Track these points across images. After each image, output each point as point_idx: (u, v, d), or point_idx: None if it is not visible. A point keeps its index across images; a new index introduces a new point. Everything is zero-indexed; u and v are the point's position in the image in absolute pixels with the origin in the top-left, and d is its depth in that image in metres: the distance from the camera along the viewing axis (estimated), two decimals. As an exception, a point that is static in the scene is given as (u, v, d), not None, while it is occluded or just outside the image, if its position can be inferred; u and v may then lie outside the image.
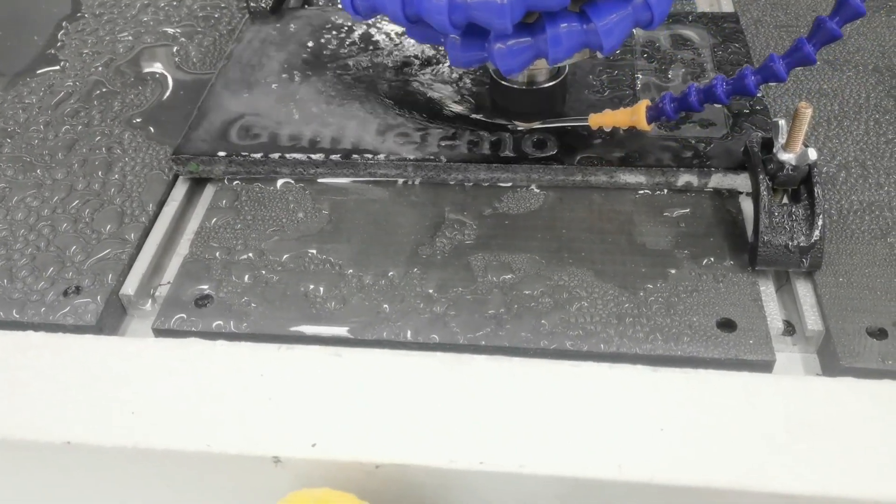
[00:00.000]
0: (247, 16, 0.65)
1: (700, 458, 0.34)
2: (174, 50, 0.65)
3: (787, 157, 0.45)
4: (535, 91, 0.47)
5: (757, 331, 0.42)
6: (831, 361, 0.42)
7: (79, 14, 0.70)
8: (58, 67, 0.64)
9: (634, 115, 0.49)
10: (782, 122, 0.45)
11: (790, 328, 0.44)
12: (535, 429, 0.35)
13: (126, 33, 0.67)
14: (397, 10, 0.40)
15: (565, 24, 0.41)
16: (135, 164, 0.55)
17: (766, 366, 0.41)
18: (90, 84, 0.62)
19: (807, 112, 0.43)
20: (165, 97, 0.60)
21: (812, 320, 0.43)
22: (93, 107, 0.60)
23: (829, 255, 0.46)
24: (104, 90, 0.61)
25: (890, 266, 0.45)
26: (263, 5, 0.64)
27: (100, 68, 0.63)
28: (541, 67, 0.47)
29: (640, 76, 0.57)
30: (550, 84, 0.47)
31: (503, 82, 0.48)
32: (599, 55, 0.45)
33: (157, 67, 0.63)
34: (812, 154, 0.44)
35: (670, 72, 0.57)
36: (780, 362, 0.42)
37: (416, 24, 0.42)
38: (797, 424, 0.34)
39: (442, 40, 0.45)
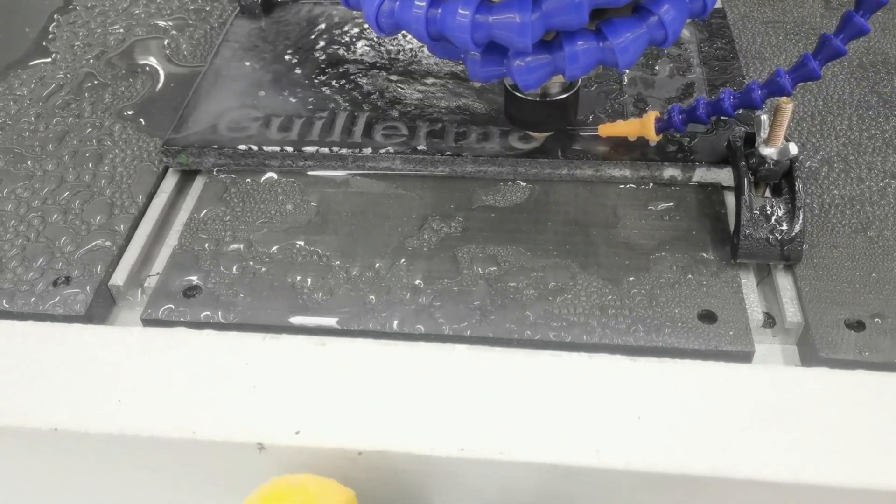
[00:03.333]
0: (237, 9, 0.65)
1: (676, 445, 0.34)
2: (165, 43, 0.65)
3: (768, 151, 0.45)
4: (549, 103, 0.48)
5: (737, 322, 0.43)
6: (810, 353, 0.42)
7: (70, 6, 0.70)
8: (49, 60, 0.64)
9: (644, 127, 0.49)
10: (764, 117, 0.46)
11: (770, 320, 0.45)
12: (515, 417, 0.36)
13: (117, 26, 0.67)
14: (421, 29, 0.41)
15: (583, 42, 0.41)
16: (125, 155, 0.55)
17: (745, 357, 0.42)
18: (81, 76, 0.62)
19: (788, 107, 0.44)
20: (156, 90, 0.61)
21: (792, 312, 0.44)
22: (84, 99, 0.60)
23: (810, 248, 0.46)
24: (95, 82, 0.62)
25: (869, 259, 0.46)
26: (254, -1, 0.64)
27: (91, 60, 0.64)
28: (555, 80, 0.48)
29: (627, 71, 0.57)
30: (564, 96, 0.48)
31: (517, 94, 0.48)
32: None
33: (148, 60, 0.63)
34: (793, 149, 0.45)
35: (657, 66, 0.58)
36: (760, 353, 0.43)
37: (437, 42, 0.43)
38: (771, 413, 0.35)
39: (462, 56, 0.46)
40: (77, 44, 0.65)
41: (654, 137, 0.49)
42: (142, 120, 0.58)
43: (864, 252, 0.46)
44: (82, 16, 0.69)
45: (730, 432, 0.34)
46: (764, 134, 0.46)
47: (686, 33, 0.61)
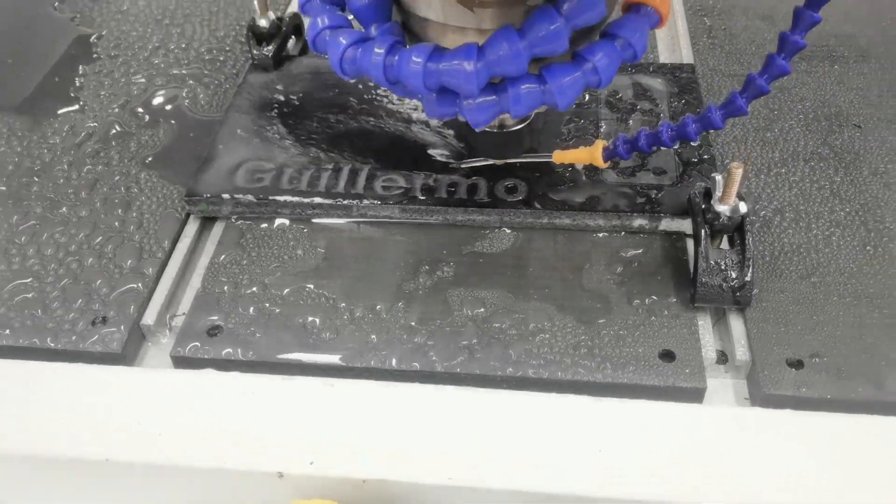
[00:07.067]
0: (250, 61, 0.71)
1: (632, 475, 0.40)
2: (183, 92, 0.71)
3: (722, 208, 0.51)
4: (506, 133, 0.55)
5: (693, 361, 0.49)
6: (756, 389, 0.48)
7: (94, 55, 0.76)
8: (77, 108, 0.70)
9: (592, 154, 0.56)
10: (719, 178, 0.52)
11: (723, 357, 0.51)
12: (495, 449, 0.42)
13: (139, 75, 0.73)
14: (380, 74, 0.48)
15: (525, 86, 0.48)
16: (151, 202, 0.61)
17: (698, 393, 0.48)
18: (108, 125, 0.68)
19: (738, 171, 0.50)
20: (176, 138, 0.66)
21: (741, 352, 0.50)
22: (111, 147, 0.66)
23: (760, 292, 0.52)
24: (121, 131, 0.67)
25: (811, 303, 0.52)
26: (265, 53, 0.70)
27: (116, 110, 0.69)
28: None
29: (604, 124, 0.64)
30: (519, 127, 0.55)
31: None
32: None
33: (168, 109, 0.69)
34: (743, 207, 0.51)
35: (630, 120, 0.64)
36: (714, 388, 0.49)
37: (395, 85, 0.49)
38: (717, 448, 0.41)
39: (420, 96, 0.52)
40: (103, 93, 0.71)
41: (601, 164, 0.56)
42: (164, 168, 0.64)
43: (807, 296, 0.52)
44: (107, 65, 0.75)
45: (682, 464, 0.41)
46: (719, 192, 0.52)
47: (659, 87, 0.67)
